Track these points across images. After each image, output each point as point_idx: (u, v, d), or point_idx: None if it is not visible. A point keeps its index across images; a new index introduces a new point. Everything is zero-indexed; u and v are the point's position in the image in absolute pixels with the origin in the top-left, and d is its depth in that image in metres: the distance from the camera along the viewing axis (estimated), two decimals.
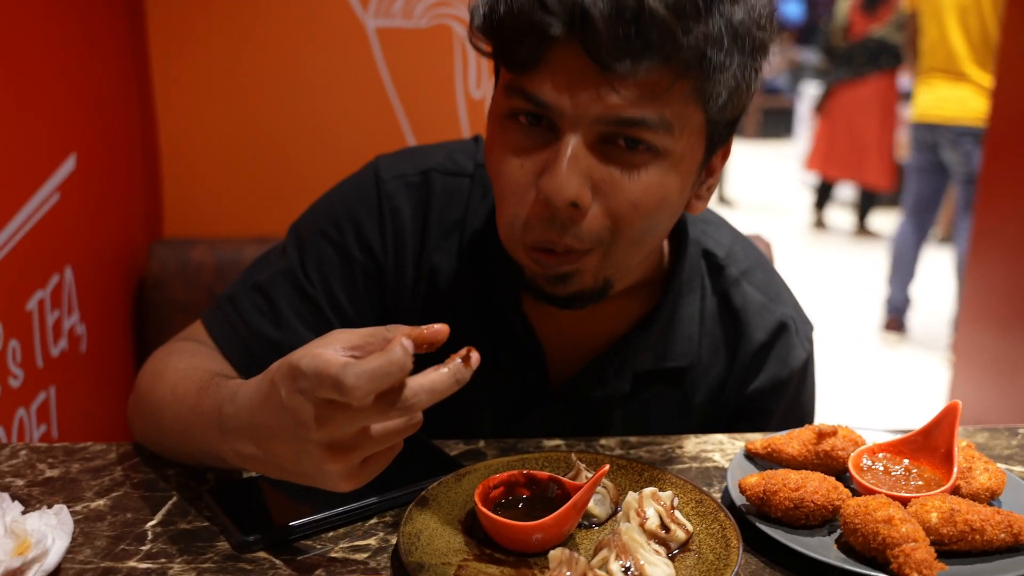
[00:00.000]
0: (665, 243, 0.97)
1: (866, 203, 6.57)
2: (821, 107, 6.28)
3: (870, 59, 5.77)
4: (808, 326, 1.03)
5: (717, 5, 0.73)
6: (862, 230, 6.57)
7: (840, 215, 7.08)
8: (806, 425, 0.84)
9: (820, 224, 6.81)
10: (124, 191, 1.59)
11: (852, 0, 5.90)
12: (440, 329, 0.62)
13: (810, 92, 8.39)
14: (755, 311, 0.99)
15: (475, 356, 0.61)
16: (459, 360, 0.60)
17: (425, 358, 0.63)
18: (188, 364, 0.87)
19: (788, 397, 1.01)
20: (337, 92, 1.66)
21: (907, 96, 6.84)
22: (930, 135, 4.03)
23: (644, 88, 0.73)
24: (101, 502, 0.79)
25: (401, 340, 0.58)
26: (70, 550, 0.71)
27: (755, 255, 1.04)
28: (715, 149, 0.84)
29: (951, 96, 3.89)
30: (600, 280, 0.83)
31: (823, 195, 6.76)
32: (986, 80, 3.72)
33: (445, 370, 0.60)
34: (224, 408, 0.70)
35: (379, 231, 0.96)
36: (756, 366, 0.99)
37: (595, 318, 0.93)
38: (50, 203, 1.30)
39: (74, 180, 1.37)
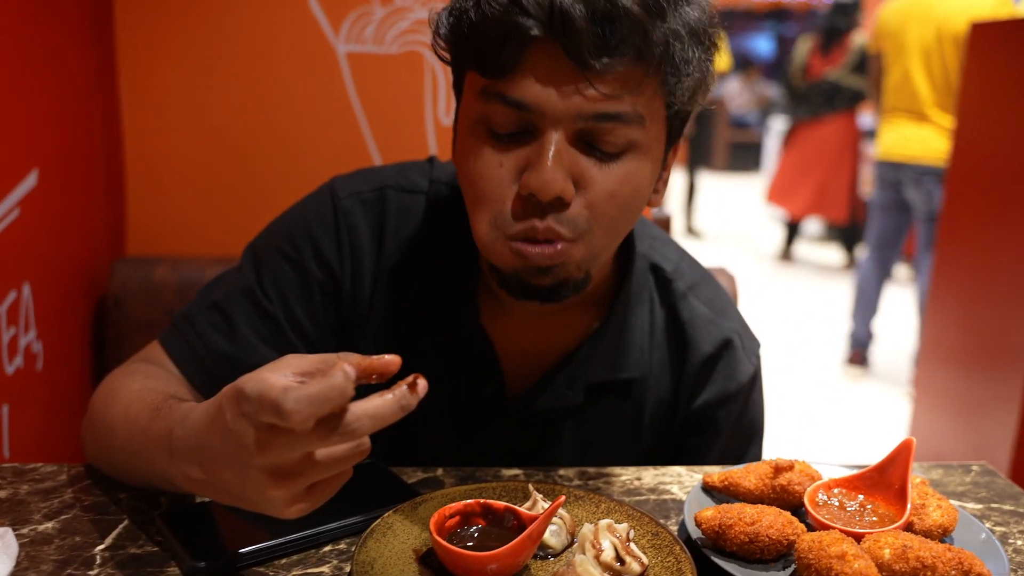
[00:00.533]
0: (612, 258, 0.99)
1: (852, 237, 6.71)
2: (786, 143, 6.44)
3: (826, 100, 5.96)
4: (755, 342, 1.05)
5: (676, 4, 0.78)
6: (851, 263, 6.70)
7: (808, 248, 7.20)
8: (763, 460, 0.84)
9: (787, 257, 6.94)
10: (86, 208, 1.57)
11: (811, 42, 6.06)
12: (391, 360, 0.62)
13: (778, 127, 8.54)
14: (701, 325, 1.01)
15: (422, 383, 0.60)
16: (405, 387, 0.59)
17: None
18: (143, 385, 0.85)
19: (736, 411, 1.02)
20: (306, 115, 1.66)
21: (870, 134, 7.03)
22: (893, 173, 4.09)
23: (619, 83, 0.77)
24: (49, 525, 0.77)
25: (343, 366, 0.58)
26: (15, 573, 0.69)
27: (701, 271, 1.07)
28: (672, 142, 0.88)
29: (914, 136, 3.96)
30: (582, 271, 0.86)
31: (791, 230, 6.90)
32: (947, 121, 3.80)
33: (390, 396, 0.59)
34: (175, 431, 0.69)
35: (336, 247, 0.97)
36: (703, 379, 1.01)
37: (549, 331, 0.96)
38: (9, 219, 1.29)
39: (35, 196, 1.36)
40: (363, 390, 0.60)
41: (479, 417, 0.98)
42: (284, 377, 0.60)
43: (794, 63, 6.14)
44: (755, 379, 1.04)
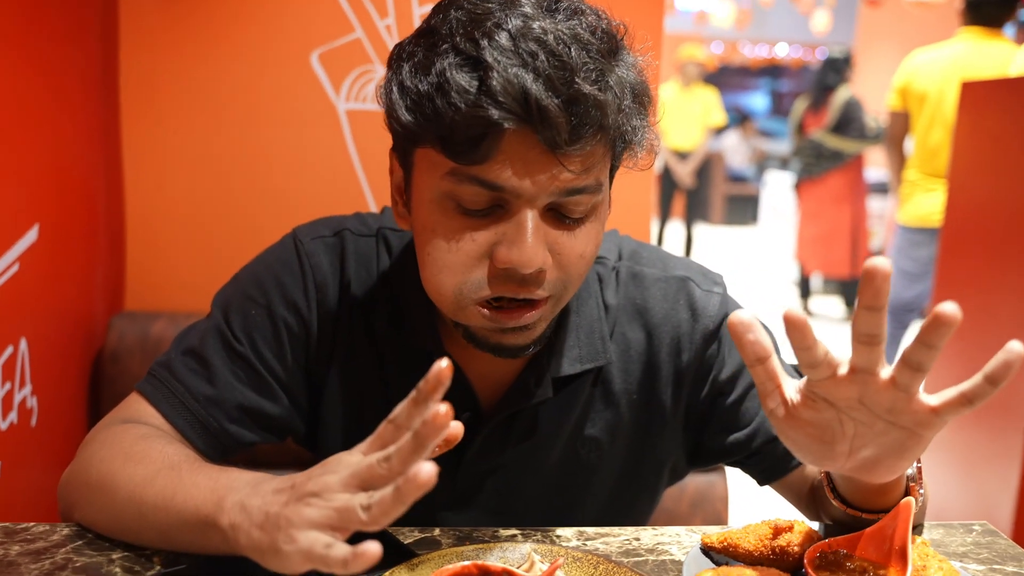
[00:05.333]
0: None
1: (853, 291, 6.70)
2: (797, 201, 6.49)
3: (816, 159, 5.99)
4: (711, 277, 1.08)
5: (618, 74, 0.83)
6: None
7: (822, 303, 7.21)
8: (762, 521, 0.84)
9: (806, 311, 6.87)
10: (86, 263, 1.58)
11: (806, 99, 6.14)
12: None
13: (773, 180, 8.61)
14: (652, 285, 1.05)
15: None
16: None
17: None
18: (178, 448, 0.88)
19: (727, 340, 1.04)
20: (307, 171, 1.68)
21: (880, 188, 7.08)
22: (920, 239, 3.99)
23: (585, 161, 0.82)
24: None
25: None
26: None
27: (632, 243, 1.10)
28: (611, 183, 0.93)
29: (937, 202, 3.79)
30: (551, 324, 0.93)
31: (803, 285, 6.86)
32: None
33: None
34: (233, 485, 0.73)
35: (302, 288, 1.00)
36: (676, 334, 1.04)
37: None
38: (9, 274, 1.29)
39: (35, 251, 1.36)
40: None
41: (464, 435, 0.99)
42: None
43: (791, 121, 6.22)
44: (725, 303, 1.06)
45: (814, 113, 5.98)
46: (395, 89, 0.84)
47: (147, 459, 0.84)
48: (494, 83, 0.76)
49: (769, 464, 1.03)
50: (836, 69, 5.86)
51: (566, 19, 0.81)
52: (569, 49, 0.78)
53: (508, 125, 0.77)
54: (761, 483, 1.07)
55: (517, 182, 0.80)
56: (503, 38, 0.78)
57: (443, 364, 0.62)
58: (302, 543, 0.63)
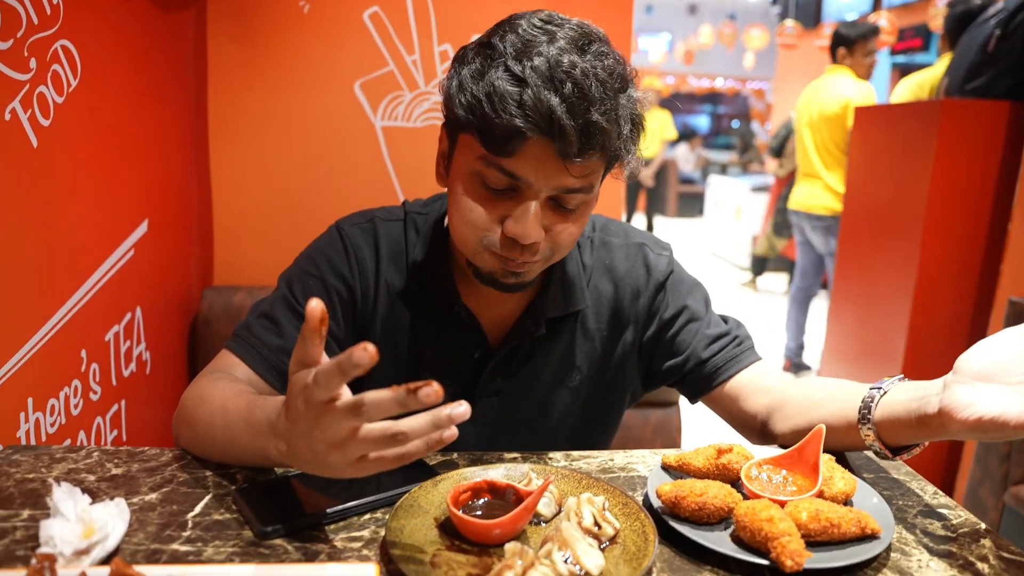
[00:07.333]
0: None
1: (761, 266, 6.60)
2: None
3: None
4: (662, 244, 1.09)
5: (622, 106, 0.82)
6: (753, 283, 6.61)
7: (742, 275, 7.15)
8: (708, 445, 0.82)
9: (753, 285, 6.69)
10: (183, 249, 1.56)
11: None
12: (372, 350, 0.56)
13: (714, 182, 8.55)
14: (618, 250, 1.06)
15: (424, 391, 0.55)
16: (404, 390, 0.55)
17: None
18: (232, 388, 0.86)
19: (674, 287, 1.05)
20: (353, 174, 1.66)
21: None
22: (798, 220, 4.11)
23: (586, 169, 0.82)
24: (153, 496, 0.76)
25: (359, 345, 0.55)
26: (127, 534, 0.68)
27: (604, 219, 1.10)
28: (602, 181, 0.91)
29: (809, 192, 3.98)
30: (539, 276, 0.94)
31: (758, 265, 6.66)
32: (832, 181, 3.83)
33: (391, 393, 0.56)
34: (270, 417, 0.70)
35: (347, 264, 0.99)
36: (636, 287, 1.05)
37: (513, 296, 0.99)
38: (126, 258, 1.28)
39: (146, 240, 1.35)
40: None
41: (477, 367, 1.01)
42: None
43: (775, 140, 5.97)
44: (671, 263, 1.07)
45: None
46: (455, 85, 0.83)
47: (211, 401, 0.84)
48: (528, 99, 0.76)
49: (696, 384, 1.03)
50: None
51: (593, 58, 0.79)
52: (590, 83, 0.77)
53: (532, 135, 0.77)
54: (692, 400, 1.06)
55: (531, 177, 0.81)
56: (541, 64, 0.77)
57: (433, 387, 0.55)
58: (356, 472, 0.62)
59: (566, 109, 0.76)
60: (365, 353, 0.54)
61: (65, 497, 0.65)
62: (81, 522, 0.63)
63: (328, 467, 0.62)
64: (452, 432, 0.58)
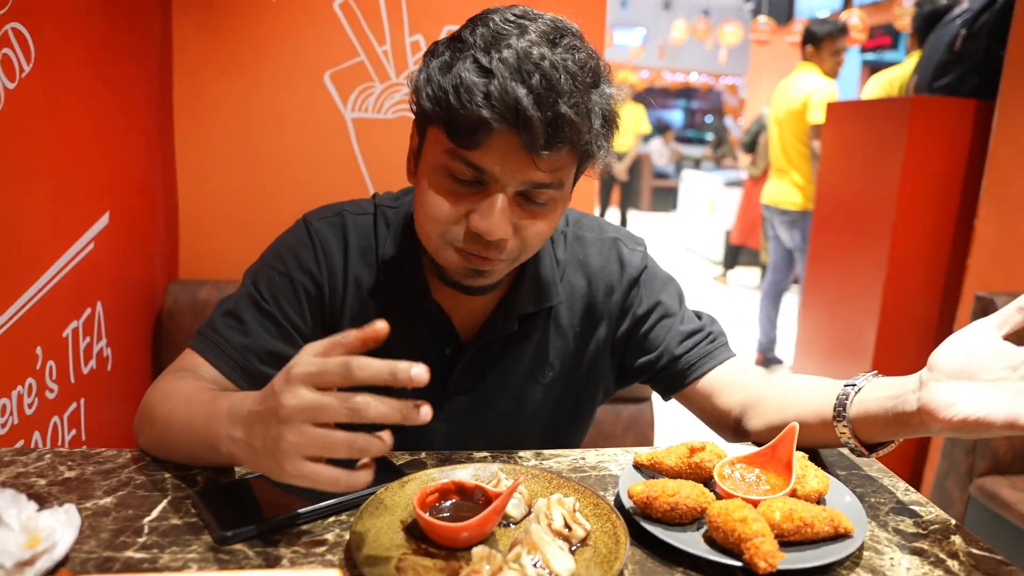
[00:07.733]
0: None
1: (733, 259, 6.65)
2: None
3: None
4: (635, 239, 1.07)
5: (593, 101, 0.80)
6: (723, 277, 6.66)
7: (714, 268, 7.19)
8: (680, 443, 0.81)
9: (723, 279, 6.70)
10: (147, 241, 1.52)
11: None
12: (380, 328, 0.62)
13: (688, 177, 8.59)
14: (592, 244, 1.04)
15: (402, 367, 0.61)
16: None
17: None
18: (196, 385, 0.84)
19: (648, 282, 1.04)
20: (322, 166, 1.63)
21: None
22: (768, 215, 4.17)
23: (554, 164, 0.80)
24: (108, 500, 0.73)
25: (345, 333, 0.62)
26: (78, 540, 0.65)
27: (578, 213, 1.09)
28: (576, 181, 0.89)
29: (776, 187, 4.06)
30: (504, 277, 0.92)
31: (730, 257, 6.70)
32: (798, 177, 3.90)
33: (371, 398, 0.60)
34: (234, 403, 0.68)
35: (314, 258, 0.96)
36: (611, 283, 1.03)
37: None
38: (86, 251, 1.24)
39: (107, 233, 1.31)
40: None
41: (449, 364, 0.98)
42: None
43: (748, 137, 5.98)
44: (646, 259, 1.05)
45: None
46: (423, 78, 0.82)
47: (174, 396, 0.82)
48: (494, 90, 0.74)
49: (670, 381, 1.02)
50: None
51: (564, 51, 0.78)
52: (559, 75, 0.76)
53: (497, 126, 0.75)
54: (666, 397, 1.05)
55: (496, 169, 0.79)
56: (510, 56, 0.75)
57: (379, 325, 0.61)
58: (298, 470, 0.60)
59: (533, 100, 0.75)
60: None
61: (8, 505, 0.62)
62: (25, 531, 0.60)
63: (276, 454, 0.60)
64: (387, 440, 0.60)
